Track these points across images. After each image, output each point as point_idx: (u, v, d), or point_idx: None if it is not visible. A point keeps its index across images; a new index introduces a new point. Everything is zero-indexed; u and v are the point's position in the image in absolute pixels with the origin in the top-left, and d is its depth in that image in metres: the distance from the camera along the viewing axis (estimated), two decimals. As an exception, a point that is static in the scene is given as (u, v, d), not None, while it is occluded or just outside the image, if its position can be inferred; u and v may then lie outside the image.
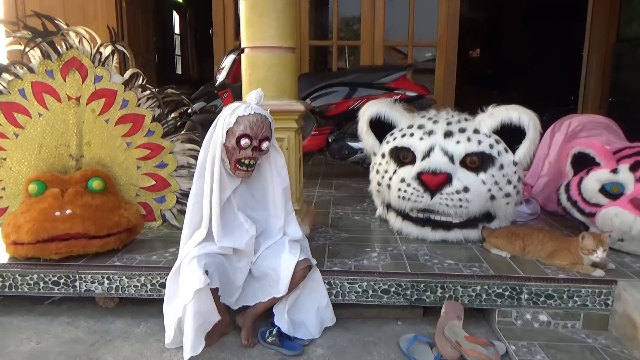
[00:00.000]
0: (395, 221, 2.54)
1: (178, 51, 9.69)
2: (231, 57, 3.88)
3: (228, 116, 1.81)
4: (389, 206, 2.61)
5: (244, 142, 1.79)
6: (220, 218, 1.84)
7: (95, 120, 2.34)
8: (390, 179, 2.46)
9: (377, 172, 2.57)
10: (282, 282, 1.85)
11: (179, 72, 9.71)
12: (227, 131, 1.80)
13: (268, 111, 1.87)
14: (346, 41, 6.69)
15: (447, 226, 2.39)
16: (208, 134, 1.85)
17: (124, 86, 2.33)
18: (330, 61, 6.09)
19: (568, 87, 8.19)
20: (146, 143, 2.40)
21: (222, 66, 3.95)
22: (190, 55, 9.77)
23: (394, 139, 2.50)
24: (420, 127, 2.44)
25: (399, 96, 3.52)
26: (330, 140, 3.82)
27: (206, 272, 1.72)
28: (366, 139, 2.64)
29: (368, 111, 2.59)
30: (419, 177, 2.30)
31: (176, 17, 9.54)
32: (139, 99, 2.36)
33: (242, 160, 1.82)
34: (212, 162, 1.83)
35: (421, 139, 2.40)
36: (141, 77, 2.37)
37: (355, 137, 3.75)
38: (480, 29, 9.36)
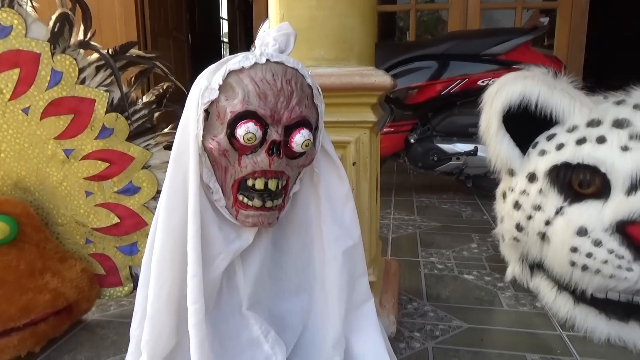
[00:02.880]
0: (556, 302, 1.35)
1: (225, 38, 8.80)
2: (270, 21, 2.77)
3: (209, 75, 0.76)
4: (536, 267, 1.43)
5: (246, 129, 0.71)
6: (208, 327, 0.76)
7: (4, 109, 1.29)
8: (547, 222, 1.29)
9: (517, 205, 1.39)
10: None
11: (227, 60, 8.85)
12: (208, 109, 0.75)
13: (309, 72, 0.77)
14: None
15: (678, 325, 1.18)
16: (179, 128, 0.79)
17: (50, 45, 1.26)
18: (398, 39, 4.84)
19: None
20: (101, 150, 1.32)
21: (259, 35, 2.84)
22: (239, 42, 8.87)
23: (559, 146, 1.31)
24: (618, 123, 1.23)
25: (520, 74, 2.27)
26: (411, 140, 2.61)
27: None
28: (497, 144, 1.44)
29: (504, 93, 1.40)
30: (622, 229, 1.12)
31: (224, 1, 8.65)
32: (81, 70, 1.28)
33: (251, 183, 0.75)
34: (181, 195, 0.76)
35: (625, 148, 1.19)
36: (79, 29, 1.28)
37: (449, 135, 2.55)
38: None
